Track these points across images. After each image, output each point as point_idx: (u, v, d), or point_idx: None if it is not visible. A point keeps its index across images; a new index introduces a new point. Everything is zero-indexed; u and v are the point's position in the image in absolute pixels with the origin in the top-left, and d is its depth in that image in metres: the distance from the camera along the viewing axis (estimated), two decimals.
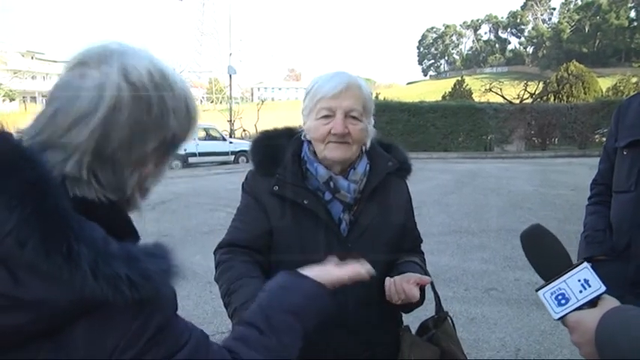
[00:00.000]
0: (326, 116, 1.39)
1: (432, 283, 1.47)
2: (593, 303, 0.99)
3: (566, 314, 1.01)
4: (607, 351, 0.91)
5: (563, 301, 1.03)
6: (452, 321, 1.52)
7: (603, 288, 0.99)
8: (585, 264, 1.03)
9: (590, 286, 1.01)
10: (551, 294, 1.05)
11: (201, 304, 4.50)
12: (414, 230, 1.65)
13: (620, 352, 0.88)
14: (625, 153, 1.68)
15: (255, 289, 1.26)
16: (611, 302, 0.99)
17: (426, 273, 1.49)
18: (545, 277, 1.08)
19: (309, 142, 1.46)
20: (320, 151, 1.42)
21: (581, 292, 1.01)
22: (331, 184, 1.42)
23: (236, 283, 1.32)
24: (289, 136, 1.52)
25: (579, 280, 1.02)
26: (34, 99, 67.34)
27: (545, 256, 1.12)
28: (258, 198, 1.45)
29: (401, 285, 1.33)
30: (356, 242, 1.41)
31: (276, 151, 1.47)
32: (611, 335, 0.91)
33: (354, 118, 1.40)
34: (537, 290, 1.08)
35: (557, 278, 1.05)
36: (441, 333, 1.46)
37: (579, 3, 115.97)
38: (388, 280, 1.37)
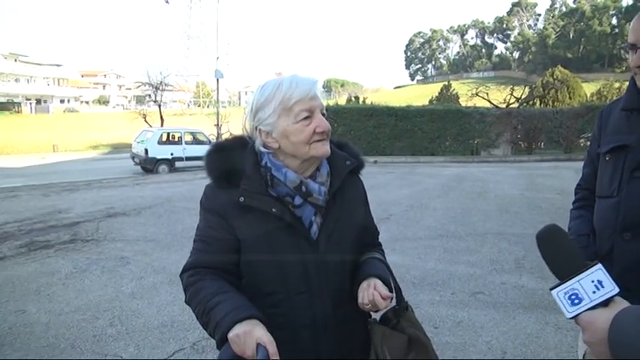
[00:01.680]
0: (307, 117, 1.39)
1: (392, 275, 1.51)
2: (605, 303, 1.01)
3: (579, 314, 1.03)
4: (619, 350, 0.92)
5: (576, 301, 1.04)
6: (412, 309, 1.54)
7: (617, 289, 1.01)
8: (599, 265, 1.04)
9: (603, 287, 1.02)
10: (565, 293, 1.06)
11: (187, 310, 4.42)
12: (373, 224, 1.68)
13: (632, 352, 0.89)
14: (607, 158, 1.69)
15: (233, 302, 1.27)
16: (623, 303, 1.00)
17: (388, 267, 1.53)
18: (559, 277, 1.09)
19: (268, 150, 1.44)
20: (304, 153, 1.40)
21: (594, 292, 1.02)
22: (303, 188, 1.41)
23: (212, 301, 1.29)
24: (242, 145, 1.49)
25: (593, 281, 1.03)
26: (18, 103, 66.42)
27: (560, 255, 1.13)
28: (221, 213, 1.41)
29: (372, 296, 1.37)
30: (326, 244, 1.43)
31: (234, 162, 1.43)
32: (623, 335, 0.92)
33: (323, 115, 1.43)
34: (551, 289, 1.09)
35: (571, 278, 1.06)
36: (404, 321, 1.48)
37: (564, 9, 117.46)
38: (360, 294, 1.41)
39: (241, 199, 1.38)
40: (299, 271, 1.40)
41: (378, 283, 1.41)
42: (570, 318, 1.05)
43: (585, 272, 1.05)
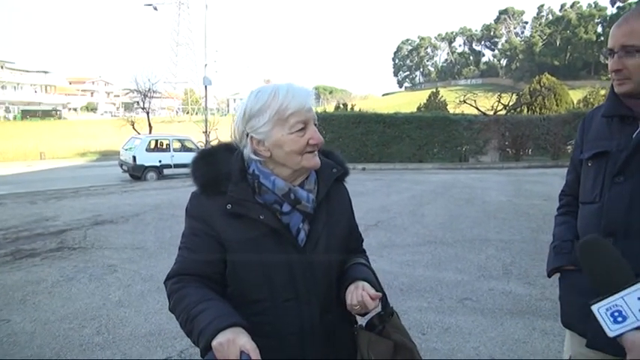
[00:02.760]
0: (301, 129, 1.39)
1: (377, 281, 1.51)
2: None
3: (623, 333, 0.95)
4: None
5: (619, 319, 0.96)
6: (397, 315, 1.55)
7: None
8: None
9: None
10: (607, 310, 0.98)
11: (174, 318, 4.42)
12: (357, 230, 1.69)
13: None
14: (589, 164, 1.71)
15: (216, 310, 1.26)
16: None
17: (373, 271, 1.54)
18: (601, 291, 1.01)
19: (258, 158, 1.43)
20: (296, 163, 1.41)
21: None
22: (291, 195, 1.41)
23: (195, 308, 1.29)
24: (229, 152, 1.48)
25: (639, 298, 0.95)
26: (7, 109, 66.00)
27: (604, 268, 1.05)
28: (208, 221, 1.40)
29: (361, 297, 1.37)
30: (313, 251, 1.43)
31: (220, 168, 1.42)
32: None
33: (315, 126, 1.43)
34: (591, 304, 1.00)
35: (613, 293, 0.98)
36: (390, 327, 1.48)
37: (550, 17, 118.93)
38: (349, 296, 1.41)
39: (228, 206, 1.37)
40: (286, 278, 1.40)
41: (366, 285, 1.42)
42: (613, 337, 0.97)
43: (630, 288, 0.96)
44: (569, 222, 1.86)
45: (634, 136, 1.60)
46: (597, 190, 1.66)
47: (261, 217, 1.37)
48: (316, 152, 1.43)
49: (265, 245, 1.39)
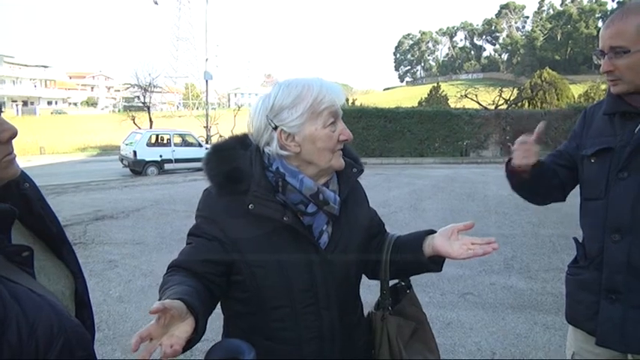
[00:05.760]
0: (332, 123, 1.34)
1: None
2: None
3: None
4: None
5: None
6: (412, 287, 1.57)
7: None
8: None
9: None
10: None
11: None
12: (377, 217, 1.64)
13: None
14: (592, 161, 1.71)
15: (181, 289, 1.14)
16: None
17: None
18: None
19: (285, 153, 1.34)
20: (326, 161, 1.35)
21: None
22: (320, 196, 1.34)
23: (168, 289, 1.16)
24: (243, 146, 1.40)
25: None
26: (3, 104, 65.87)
27: None
28: (220, 222, 1.32)
29: (464, 242, 1.38)
30: (334, 253, 1.37)
31: (239, 165, 1.34)
32: None
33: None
34: None
35: None
36: (406, 300, 1.53)
37: (551, 12, 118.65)
38: (444, 244, 1.39)
39: (250, 206, 1.28)
40: (306, 283, 1.33)
41: (449, 226, 1.43)
42: None
43: None
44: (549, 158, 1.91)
45: (636, 131, 1.60)
46: (602, 186, 1.65)
47: (285, 218, 1.29)
48: (341, 152, 1.38)
49: (285, 248, 1.31)
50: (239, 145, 1.41)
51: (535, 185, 1.81)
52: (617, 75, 1.60)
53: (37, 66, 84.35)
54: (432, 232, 1.46)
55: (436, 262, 1.42)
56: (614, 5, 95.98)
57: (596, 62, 1.67)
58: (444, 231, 1.41)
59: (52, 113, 68.73)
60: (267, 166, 1.36)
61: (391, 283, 1.51)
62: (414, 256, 1.43)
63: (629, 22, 1.54)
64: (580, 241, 1.80)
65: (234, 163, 1.34)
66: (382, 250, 1.52)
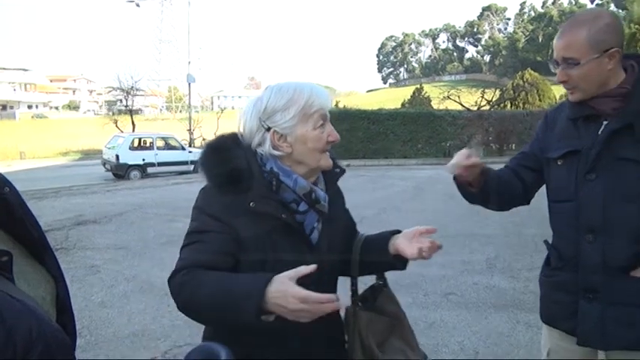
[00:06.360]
0: (321, 125, 1.41)
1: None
2: None
3: None
4: None
5: None
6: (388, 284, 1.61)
7: None
8: None
9: None
10: None
11: (158, 318, 4.40)
12: (351, 217, 1.71)
13: None
14: (559, 163, 1.73)
15: (249, 276, 1.21)
16: None
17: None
18: None
19: (278, 153, 1.39)
20: (316, 161, 1.41)
21: None
22: (312, 195, 1.40)
23: (226, 282, 1.21)
24: (237, 145, 1.43)
25: None
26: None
27: None
28: (224, 219, 1.33)
29: (419, 243, 1.45)
30: (324, 249, 1.43)
31: (238, 164, 1.36)
32: None
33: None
34: None
35: None
36: (382, 297, 1.56)
37: (532, 14, 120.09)
38: (403, 244, 1.47)
39: (252, 203, 1.32)
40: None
41: (412, 229, 1.51)
42: None
43: None
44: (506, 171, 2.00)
45: (599, 132, 1.63)
46: (571, 188, 1.68)
47: (283, 215, 1.35)
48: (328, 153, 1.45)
49: (281, 245, 1.36)
50: (235, 145, 1.44)
51: (488, 194, 1.86)
52: (571, 84, 1.64)
53: (16, 69, 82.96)
54: (398, 232, 1.55)
55: (401, 261, 1.50)
56: (593, 7, 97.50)
57: (553, 71, 1.69)
58: (408, 232, 1.51)
59: (32, 117, 67.86)
60: (261, 165, 1.41)
61: (369, 282, 1.55)
62: (380, 255, 1.51)
63: (578, 34, 1.56)
64: (550, 242, 1.83)
65: (233, 163, 1.37)
66: (353, 249, 1.58)
